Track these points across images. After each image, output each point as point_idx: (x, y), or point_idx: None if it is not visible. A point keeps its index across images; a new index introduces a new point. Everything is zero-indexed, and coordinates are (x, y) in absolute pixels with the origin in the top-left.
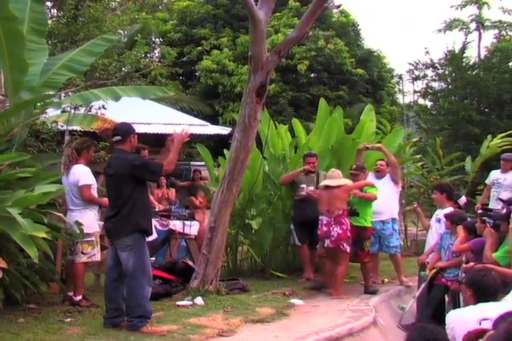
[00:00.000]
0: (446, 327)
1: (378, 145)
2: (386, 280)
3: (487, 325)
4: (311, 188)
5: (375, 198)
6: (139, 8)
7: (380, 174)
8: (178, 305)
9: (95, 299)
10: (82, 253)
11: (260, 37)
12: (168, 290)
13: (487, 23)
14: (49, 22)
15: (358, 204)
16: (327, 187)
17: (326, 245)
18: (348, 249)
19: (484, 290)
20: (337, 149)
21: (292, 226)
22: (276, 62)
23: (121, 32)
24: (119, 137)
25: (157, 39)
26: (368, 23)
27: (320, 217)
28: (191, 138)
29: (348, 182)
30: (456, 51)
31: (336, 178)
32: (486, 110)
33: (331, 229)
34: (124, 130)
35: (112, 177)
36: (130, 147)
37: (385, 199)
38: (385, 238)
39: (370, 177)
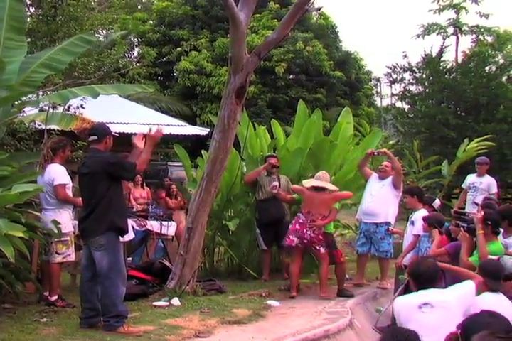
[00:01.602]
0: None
1: (384, 150)
2: (363, 282)
3: (427, 309)
4: (275, 183)
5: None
6: (119, 7)
7: (383, 174)
8: (155, 306)
9: (71, 299)
10: (56, 253)
11: (241, 38)
12: (145, 291)
13: (464, 28)
14: (28, 20)
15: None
16: (316, 188)
17: (294, 244)
18: (323, 250)
19: (419, 278)
20: (315, 151)
21: (258, 230)
22: (256, 63)
23: (101, 31)
24: (95, 137)
25: (135, 39)
26: (346, 25)
27: (298, 214)
28: (165, 138)
29: (336, 188)
30: (434, 55)
31: (324, 181)
32: (463, 114)
33: (305, 230)
34: (101, 130)
35: (87, 175)
36: (105, 147)
37: (382, 201)
38: (376, 241)
39: (373, 177)
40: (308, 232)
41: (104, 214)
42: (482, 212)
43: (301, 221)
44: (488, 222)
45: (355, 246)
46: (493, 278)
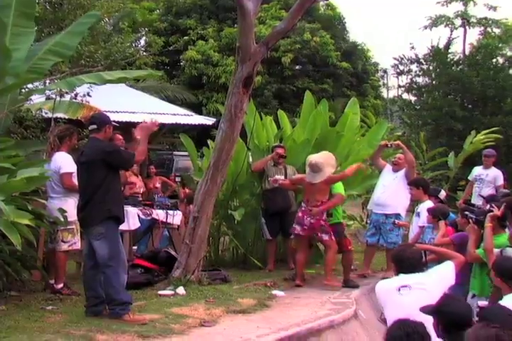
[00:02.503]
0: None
1: (397, 142)
2: (368, 272)
3: (405, 291)
4: (278, 177)
5: (343, 200)
6: None
7: (396, 167)
8: (160, 295)
9: (77, 287)
10: (62, 241)
11: (248, 28)
12: (150, 280)
13: (472, 20)
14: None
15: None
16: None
17: (296, 232)
18: (326, 237)
19: (402, 263)
20: (321, 142)
21: (263, 220)
22: (264, 53)
23: (107, 20)
24: (94, 126)
25: (143, 28)
26: (353, 16)
27: (301, 203)
28: (171, 127)
29: (329, 171)
30: (441, 47)
31: (318, 171)
32: (470, 106)
33: (305, 217)
34: (101, 119)
35: (84, 164)
36: (104, 137)
37: (393, 193)
38: (385, 232)
39: (386, 169)
40: (308, 219)
41: (102, 203)
42: (500, 209)
43: (303, 209)
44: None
45: (365, 236)
46: (510, 277)
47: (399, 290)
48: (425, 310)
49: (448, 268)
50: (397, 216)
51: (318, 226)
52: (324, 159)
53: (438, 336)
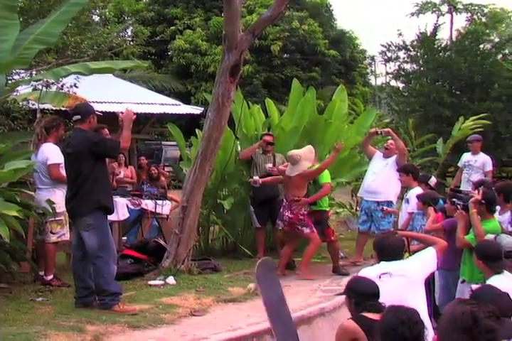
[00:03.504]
0: None
1: (387, 129)
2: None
3: (386, 278)
4: (270, 165)
5: (331, 190)
6: None
7: (387, 152)
8: (150, 285)
9: (66, 278)
10: (51, 232)
11: (234, 16)
12: (140, 270)
13: (459, 6)
14: None
15: (313, 193)
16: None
17: (280, 227)
18: (307, 230)
19: (383, 251)
20: (309, 129)
21: (252, 208)
22: (250, 41)
23: (93, 10)
24: (78, 116)
25: (129, 18)
26: (340, 4)
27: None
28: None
29: (305, 165)
30: (428, 33)
31: (295, 163)
32: (458, 92)
33: (284, 212)
34: (85, 110)
35: (71, 155)
36: (89, 127)
37: (384, 180)
38: (376, 219)
39: (377, 156)
40: (287, 214)
41: (90, 193)
42: (480, 193)
43: (283, 203)
44: (482, 201)
45: (356, 224)
46: (492, 259)
47: (379, 277)
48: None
49: (429, 254)
50: (389, 203)
51: (297, 220)
52: (303, 152)
53: (350, 311)
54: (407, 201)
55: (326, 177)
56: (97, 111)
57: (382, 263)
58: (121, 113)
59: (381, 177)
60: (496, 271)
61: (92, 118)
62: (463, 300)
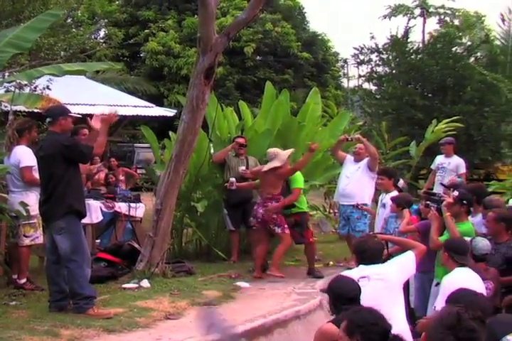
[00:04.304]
0: None
1: (357, 136)
2: (331, 262)
3: (364, 282)
4: (243, 168)
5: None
6: None
7: (358, 157)
8: (124, 288)
9: (40, 282)
10: (24, 236)
11: (209, 18)
12: (114, 273)
13: (431, 9)
14: None
15: (286, 197)
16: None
17: (252, 225)
18: (279, 230)
19: (363, 254)
20: (283, 132)
21: (225, 211)
22: (225, 44)
23: (66, 12)
24: (49, 119)
25: (102, 20)
26: (314, 7)
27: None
28: (132, 119)
29: (275, 164)
30: (400, 36)
31: (270, 160)
32: (430, 95)
33: (258, 209)
34: (54, 112)
35: (43, 158)
36: (61, 129)
37: (358, 183)
38: (353, 221)
39: (348, 160)
40: (261, 211)
41: (62, 197)
42: (452, 196)
43: (258, 201)
44: (464, 202)
45: (338, 229)
46: (459, 253)
47: (358, 280)
48: (323, 290)
49: (408, 257)
50: (364, 205)
51: (270, 219)
52: (280, 151)
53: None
54: (384, 205)
55: (298, 182)
56: (77, 113)
57: (361, 266)
58: (92, 117)
59: (354, 181)
60: (460, 263)
61: (63, 120)
62: (452, 304)
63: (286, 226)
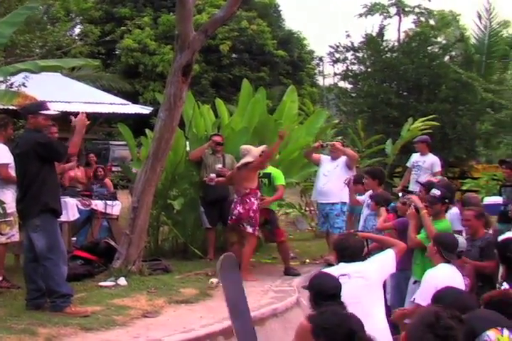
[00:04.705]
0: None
1: (332, 143)
2: (307, 260)
3: (344, 279)
4: (220, 166)
5: (284, 190)
6: None
7: (335, 155)
8: (101, 286)
9: (16, 280)
10: (0, 233)
11: (187, 15)
12: (90, 271)
13: (407, 8)
14: None
15: (267, 193)
16: (238, 167)
17: (228, 222)
18: (250, 230)
19: (343, 252)
20: (260, 130)
21: (202, 209)
22: (202, 41)
23: (42, 8)
24: (25, 116)
25: (77, 17)
26: (290, 4)
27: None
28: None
29: (248, 160)
30: (374, 34)
31: (245, 154)
32: (405, 93)
33: (236, 207)
34: (25, 109)
35: (19, 156)
36: (34, 126)
37: (337, 181)
38: (331, 218)
39: (324, 160)
40: (238, 208)
41: (38, 195)
42: (434, 194)
43: (235, 200)
44: (446, 200)
45: (318, 226)
46: (449, 249)
47: (338, 278)
48: (304, 287)
49: (388, 255)
50: (343, 204)
51: (246, 217)
52: (252, 147)
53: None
54: (368, 206)
55: (280, 178)
56: (57, 110)
57: (342, 264)
58: (74, 117)
59: (333, 179)
60: (447, 259)
61: (33, 117)
62: (433, 304)
63: (257, 227)
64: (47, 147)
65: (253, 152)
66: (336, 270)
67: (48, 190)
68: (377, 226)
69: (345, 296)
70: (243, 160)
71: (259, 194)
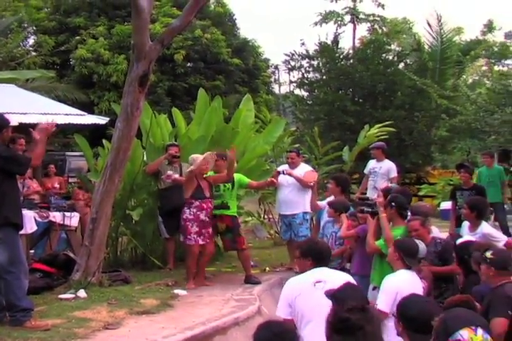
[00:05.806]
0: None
1: (289, 171)
2: (267, 268)
3: (320, 286)
4: (170, 172)
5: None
6: None
7: (293, 165)
8: (61, 299)
9: None
10: None
11: (143, 25)
12: (50, 284)
13: (361, 16)
14: None
15: (229, 199)
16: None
17: None
18: (181, 238)
19: (320, 255)
20: (217, 138)
21: (160, 219)
22: (159, 51)
23: None
24: None
25: (31, 27)
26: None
27: None
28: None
29: (194, 166)
30: (329, 42)
31: (191, 165)
32: (361, 100)
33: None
34: None
35: None
36: (2, 140)
37: (297, 192)
38: (295, 226)
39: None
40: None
41: None
42: (382, 197)
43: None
44: (393, 204)
45: (281, 234)
46: (410, 256)
47: (314, 285)
48: (328, 294)
49: None
50: (305, 213)
51: (180, 225)
52: (198, 156)
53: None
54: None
55: (245, 178)
56: (21, 123)
57: (313, 270)
58: (34, 128)
59: (295, 189)
60: (408, 265)
61: (6, 132)
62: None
63: (189, 236)
64: (9, 160)
65: (196, 161)
66: (309, 276)
67: (8, 204)
68: (341, 234)
69: (325, 303)
70: (188, 169)
71: (195, 203)
